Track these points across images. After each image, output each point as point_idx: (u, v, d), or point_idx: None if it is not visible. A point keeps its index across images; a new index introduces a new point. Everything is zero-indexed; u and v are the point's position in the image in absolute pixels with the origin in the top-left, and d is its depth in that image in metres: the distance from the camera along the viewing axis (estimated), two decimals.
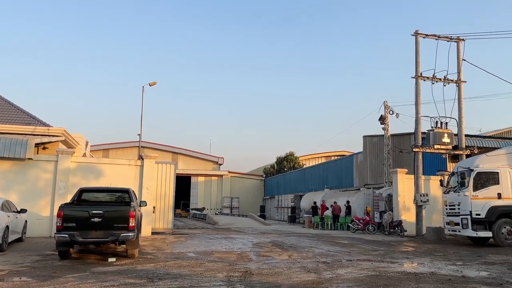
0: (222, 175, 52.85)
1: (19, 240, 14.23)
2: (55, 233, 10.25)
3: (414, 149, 21.61)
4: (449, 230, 17.39)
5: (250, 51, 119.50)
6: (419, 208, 21.14)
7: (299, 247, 14.27)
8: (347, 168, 34.87)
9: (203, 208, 47.67)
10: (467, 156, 21.19)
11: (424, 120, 21.67)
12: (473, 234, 15.86)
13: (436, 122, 21.42)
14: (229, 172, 53.71)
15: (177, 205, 38.80)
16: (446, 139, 21.21)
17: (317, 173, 41.07)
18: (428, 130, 21.68)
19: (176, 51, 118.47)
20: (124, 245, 10.83)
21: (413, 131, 22.57)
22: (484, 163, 16.68)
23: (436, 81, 21.87)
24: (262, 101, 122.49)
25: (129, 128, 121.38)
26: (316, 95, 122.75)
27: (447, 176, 18.69)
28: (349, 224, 24.97)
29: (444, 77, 21.91)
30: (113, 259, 10.34)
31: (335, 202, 27.69)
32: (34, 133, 19.65)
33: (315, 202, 30.76)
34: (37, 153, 18.90)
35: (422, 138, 21.95)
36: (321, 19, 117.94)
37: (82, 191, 12.28)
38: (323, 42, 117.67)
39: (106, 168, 18.80)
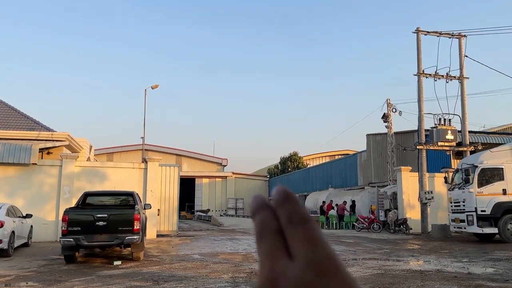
0: (226, 177, 52.84)
1: (25, 245, 14.29)
2: (60, 238, 10.30)
3: (417, 147, 21.54)
4: (454, 227, 17.32)
5: (252, 52, 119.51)
6: (424, 206, 21.06)
7: None
8: (351, 167, 34.82)
9: (208, 210, 47.69)
10: (471, 152, 21.10)
11: (427, 117, 21.63)
12: (479, 230, 15.78)
13: (440, 119, 21.36)
14: (233, 173, 53.69)
15: (181, 207, 38.84)
16: (449, 136, 21.14)
17: (321, 172, 41.02)
18: (431, 127, 21.61)
19: (178, 53, 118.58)
20: (130, 248, 10.87)
21: (417, 129, 22.50)
22: (488, 159, 16.60)
23: (439, 78, 21.79)
24: (265, 101, 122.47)
25: (132, 132, 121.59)
26: (318, 95, 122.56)
27: (452, 173, 18.61)
28: (354, 223, 24.91)
29: (447, 73, 21.82)
30: (119, 262, 10.38)
31: (344, 202, 27.65)
32: (38, 138, 19.73)
33: (323, 202, 30.81)
34: (42, 158, 18.96)
35: (426, 135, 21.88)
36: (321, 18, 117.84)
37: (86, 195, 12.33)
38: (324, 41, 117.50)
39: (110, 171, 18.85)
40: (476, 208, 15.80)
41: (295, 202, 0.42)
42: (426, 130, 21.94)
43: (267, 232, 0.40)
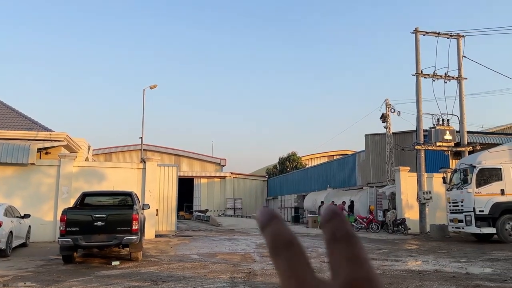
0: (224, 177, 52.81)
1: (23, 245, 14.26)
2: (58, 238, 10.28)
3: (416, 147, 21.56)
4: (452, 227, 17.35)
5: (251, 52, 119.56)
6: (422, 206, 21.08)
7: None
8: (350, 167, 34.84)
9: (206, 210, 47.67)
10: (470, 152, 21.13)
11: (425, 118, 21.66)
12: (477, 230, 15.81)
13: (438, 119, 21.39)
14: (232, 173, 53.67)
15: (180, 207, 38.78)
16: (448, 136, 21.17)
17: (320, 172, 41.05)
18: (430, 128, 21.64)
19: (176, 53, 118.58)
20: (128, 248, 10.86)
21: (415, 129, 22.52)
22: (486, 160, 16.64)
23: (437, 78, 21.81)
24: (263, 101, 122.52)
25: (131, 132, 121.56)
26: (317, 95, 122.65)
27: (450, 173, 18.65)
28: (353, 223, 24.91)
29: (445, 74, 21.85)
30: (117, 263, 10.36)
31: (343, 202, 27.65)
32: (36, 138, 19.69)
33: (322, 202, 30.80)
34: (40, 158, 18.93)
35: (424, 135, 21.90)
36: (320, 19, 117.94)
37: (85, 195, 12.31)
38: (322, 42, 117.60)
39: (108, 171, 18.82)
40: (474, 208, 15.83)
41: (341, 219, 0.42)
42: (425, 131, 21.97)
43: (281, 245, 0.39)
